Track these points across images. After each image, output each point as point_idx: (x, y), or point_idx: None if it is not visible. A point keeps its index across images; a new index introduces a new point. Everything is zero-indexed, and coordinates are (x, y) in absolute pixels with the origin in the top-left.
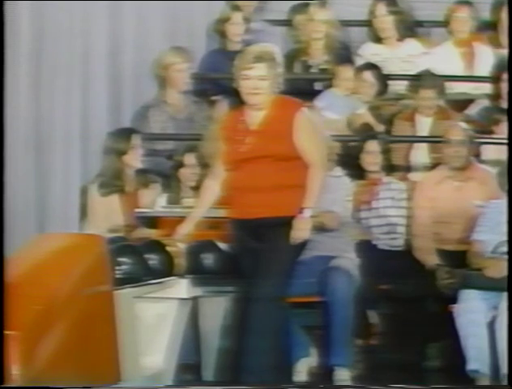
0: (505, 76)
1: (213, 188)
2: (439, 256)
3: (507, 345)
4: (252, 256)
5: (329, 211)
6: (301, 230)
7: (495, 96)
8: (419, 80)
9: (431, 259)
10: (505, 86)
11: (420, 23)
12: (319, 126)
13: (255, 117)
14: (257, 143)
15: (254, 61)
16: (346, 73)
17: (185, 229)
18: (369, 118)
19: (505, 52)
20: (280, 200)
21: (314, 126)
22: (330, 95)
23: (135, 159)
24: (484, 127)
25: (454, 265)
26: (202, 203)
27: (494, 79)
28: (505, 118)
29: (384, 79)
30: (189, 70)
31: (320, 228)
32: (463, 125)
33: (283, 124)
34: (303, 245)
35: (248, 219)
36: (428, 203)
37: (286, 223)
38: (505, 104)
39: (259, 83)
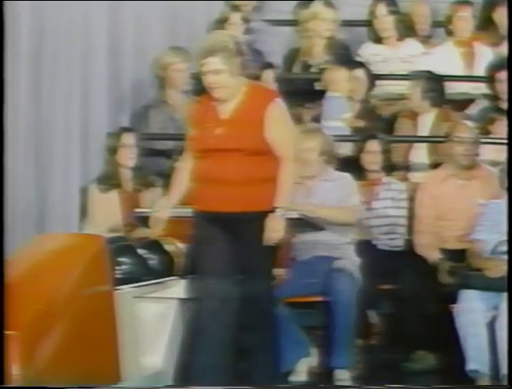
0: (500, 76)
1: (187, 171)
2: (441, 254)
3: (507, 345)
4: (217, 251)
5: (346, 207)
6: (275, 230)
7: (490, 96)
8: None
9: (434, 255)
10: (500, 86)
11: (438, 24)
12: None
13: (226, 105)
14: (227, 134)
15: (206, 55)
16: (336, 74)
17: (162, 214)
18: (357, 123)
19: (499, 50)
20: (251, 194)
21: (287, 119)
22: (328, 99)
23: (127, 158)
24: (481, 127)
25: (456, 263)
26: (177, 186)
27: (488, 79)
28: (500, 118)
29: (373, 76)
30: (189, 70)
31: (315, 226)
32: (470, 123)
33: (255, 114)
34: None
35: (215, 212)
36: (431, 201)
37: (257, 218)
38: (501, 104)
39: (216, 77)
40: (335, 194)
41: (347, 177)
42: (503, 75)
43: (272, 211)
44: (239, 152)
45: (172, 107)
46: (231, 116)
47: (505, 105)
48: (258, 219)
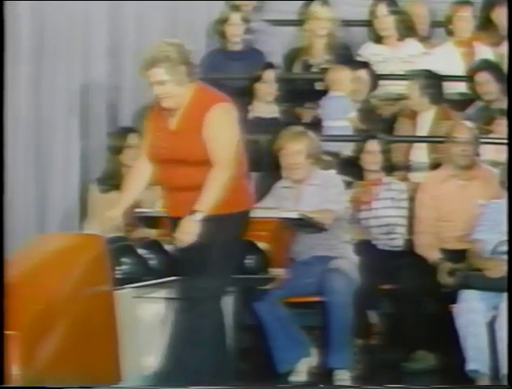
0: (477, 77)
1: (143, 172)
2: (442, 254)
3: (507, 345)
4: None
5: (323, 209)
6: (187, 233)
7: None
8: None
9: (434, 255)
10: (479, 87)
11: (438, 24)
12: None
13: (175, 114)
14: (173, 145)
15: (149, 67)
16: (340, 74)
17: (116, 213)
18: (358, 123)
19: (499, 50)
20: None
21: (229, 123)
22: (330, 99)
23: (131, 158)
24: (480, 127)
25: (456, 263)
26: (132, 186)
27: (468, 79)
28: (499, 117)
29: (376, 76)
30: None
31: (314, 226)
32: (468, 123)
33: (196, 122)
34: (228, 243)
35: (172, 217)
36: (431, 201)
37: (214, 221)
38: (494, 104)
39: (161, 87)
40: (321, 197)
41: (334, 178)
42: (480, 77)
43: (191, 212)
44: (185, 162)
45: None
46: (177, 126)
47: (497, 105)
48: (215, 221)
